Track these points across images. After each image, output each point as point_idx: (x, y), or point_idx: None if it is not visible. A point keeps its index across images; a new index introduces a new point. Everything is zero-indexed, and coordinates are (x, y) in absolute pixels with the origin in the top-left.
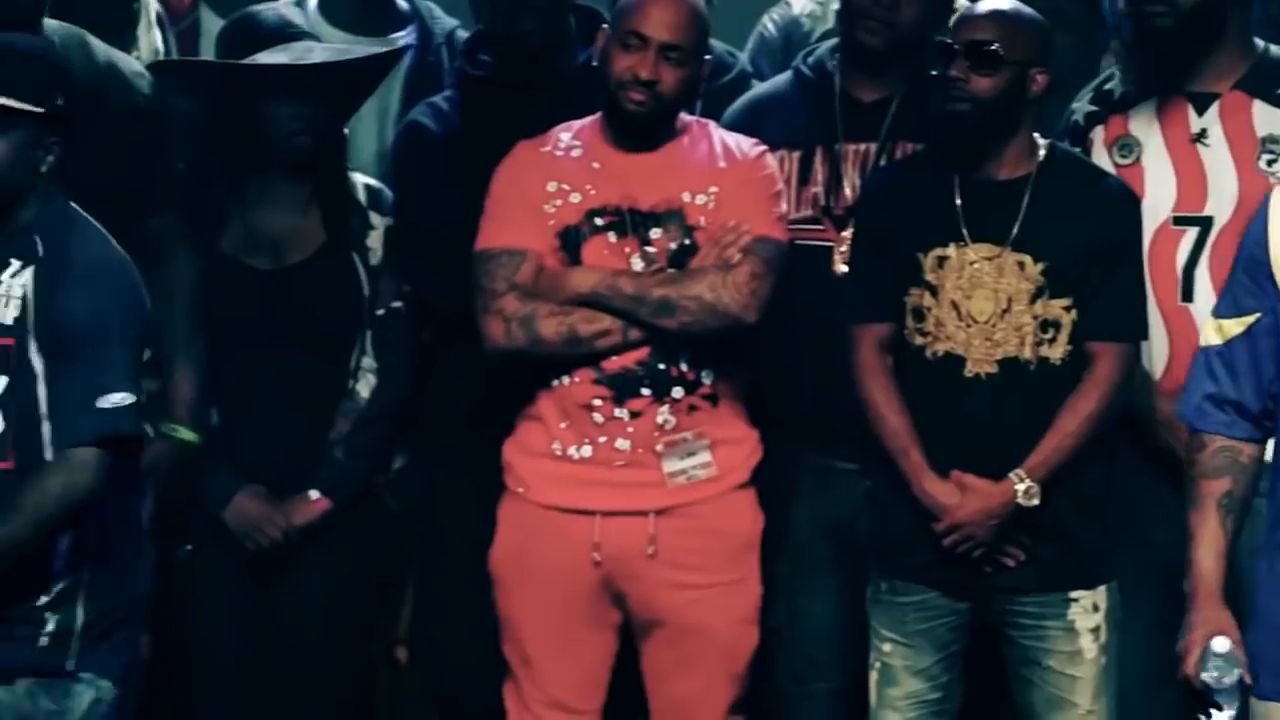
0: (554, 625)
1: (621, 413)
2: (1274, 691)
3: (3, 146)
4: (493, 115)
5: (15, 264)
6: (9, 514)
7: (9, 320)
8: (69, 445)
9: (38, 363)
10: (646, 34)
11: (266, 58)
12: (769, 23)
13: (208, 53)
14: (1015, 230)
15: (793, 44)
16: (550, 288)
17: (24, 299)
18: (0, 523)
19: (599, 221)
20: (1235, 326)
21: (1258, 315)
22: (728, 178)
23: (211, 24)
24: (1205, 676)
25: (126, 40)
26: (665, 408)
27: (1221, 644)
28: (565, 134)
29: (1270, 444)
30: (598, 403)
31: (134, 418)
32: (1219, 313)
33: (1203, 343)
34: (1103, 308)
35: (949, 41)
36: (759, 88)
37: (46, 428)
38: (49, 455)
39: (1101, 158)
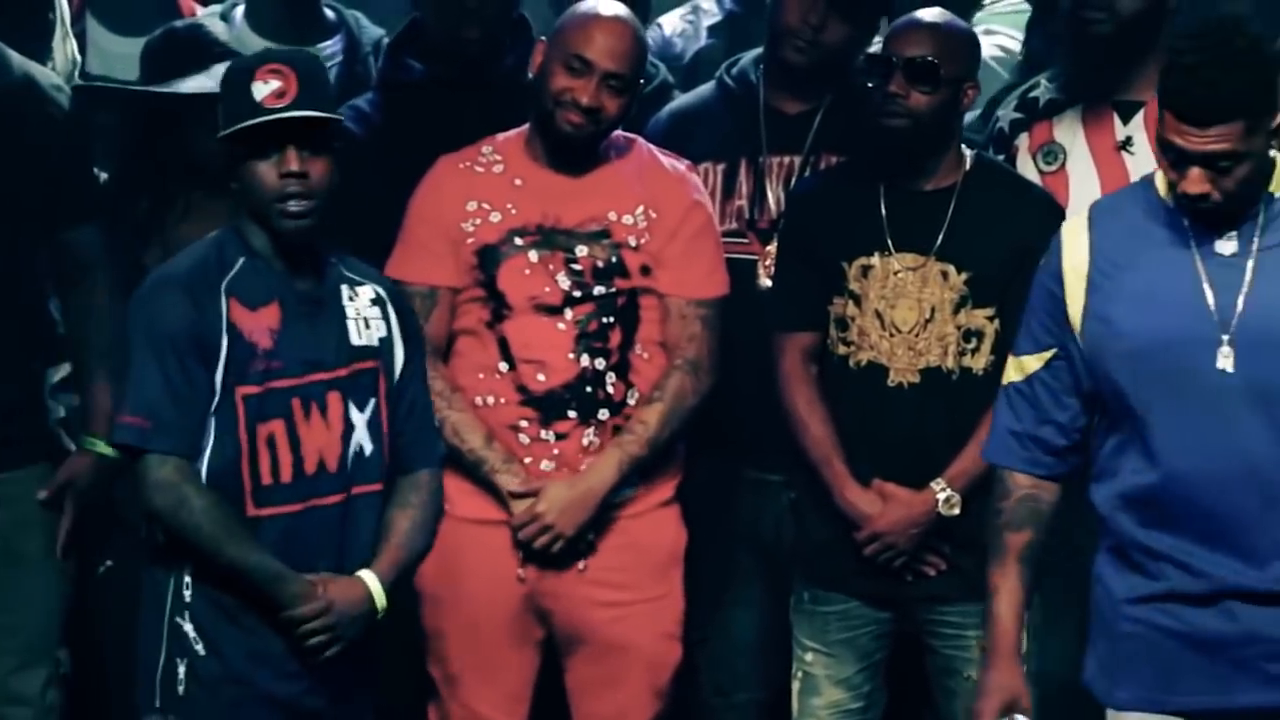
0: (478, 642)
1: (548, 435)
2: (1132, 700)
3: None
4: (416, 117)
5: (368, 287)
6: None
7: (374, 342)
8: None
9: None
10: (591, 60)
11: (191, 84)
12: None
13: (92, 62)
14: (939, 240)
15: (667, 65)
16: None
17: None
18: None
19: (519, 241)
20: (1034, 363)
21: (1055, 351)
22: (662, 211)
23: (96, 34)
24: None
25: (42, 51)
26: (591, 429)
27: None
28: (488, 147)
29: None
30: (524, 424)
31: None
32: (1019, 350)
33: (1005, 380)
34: None
35: (888, 55)
36: (682, 99)
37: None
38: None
39: (1026, 165)
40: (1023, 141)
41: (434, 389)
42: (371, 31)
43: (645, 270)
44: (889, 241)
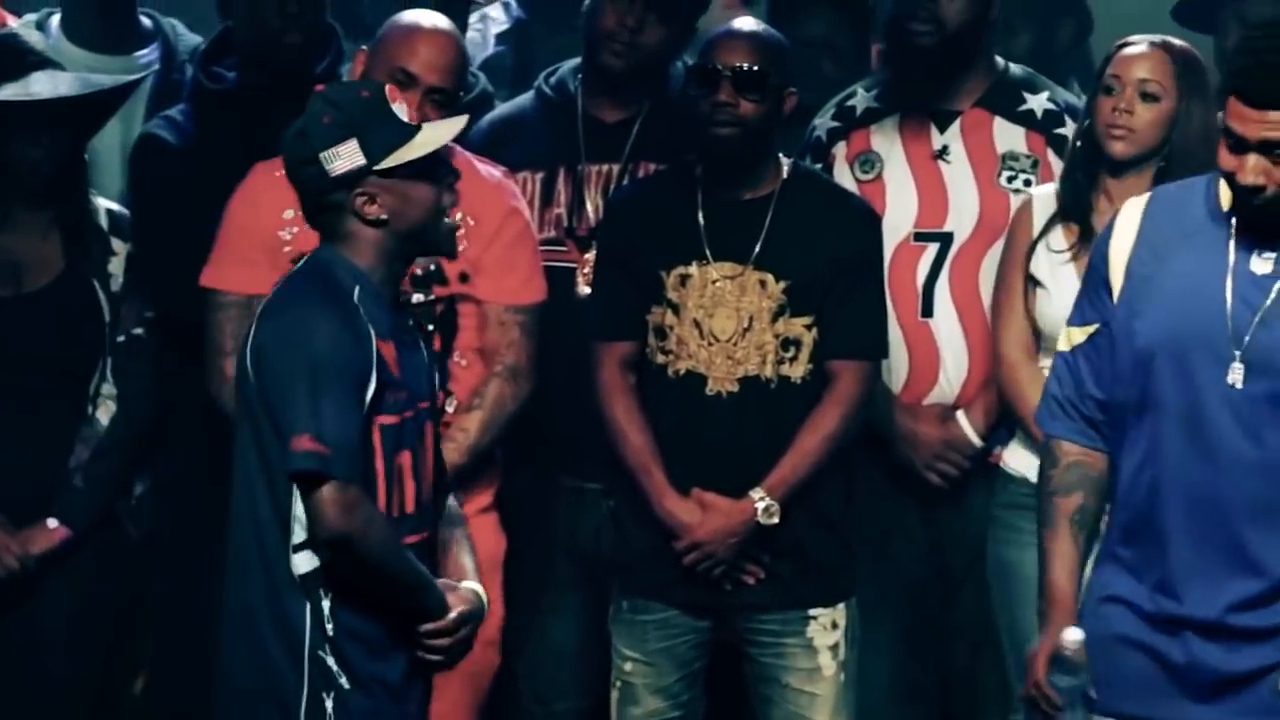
0: None
1: None
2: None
3: None
4: (230, 126)
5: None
6: None
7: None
8: None
9: None
10: (414, 73)
11: (7, 91)
12: None
13: None
14: (757, 249)
15: None
16: None
17: None
18: None
19: None
20: (1079, 334)
21: (1097, 325)
22: (480, 218)
23: None
24: (1055, 681)
25: None
26: None
27: (1075, 634)
28: None
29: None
30: None
31: None
32: (1070, 321)
33: (1057, 349)
34: (843, 327)
35: (713, 65)
36: (501, 108)
37: None
38: None
39: (843, 173)
40: (840, 150)
41: None
42: (189, 39)
43: (463, 277)
44: (707, 250)
